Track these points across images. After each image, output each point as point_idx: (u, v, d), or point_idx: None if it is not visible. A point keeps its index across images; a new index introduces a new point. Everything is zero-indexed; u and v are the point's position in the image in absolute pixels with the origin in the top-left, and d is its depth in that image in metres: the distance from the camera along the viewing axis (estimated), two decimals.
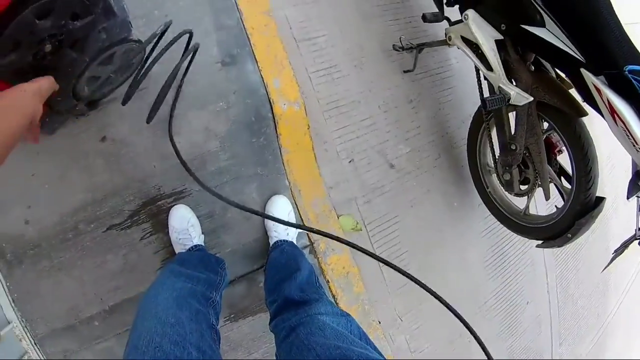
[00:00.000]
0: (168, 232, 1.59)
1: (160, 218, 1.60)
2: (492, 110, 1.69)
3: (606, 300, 3.61)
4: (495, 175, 1.93)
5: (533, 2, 1.37)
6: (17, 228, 1.45)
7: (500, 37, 1.56)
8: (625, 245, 1.74)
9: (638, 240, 1.69)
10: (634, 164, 1.50)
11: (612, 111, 1.29)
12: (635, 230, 1.68)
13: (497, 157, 1.86)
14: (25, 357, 1.48)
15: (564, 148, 1.64)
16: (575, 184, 1.59)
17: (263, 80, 1.72)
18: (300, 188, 1.81)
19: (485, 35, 1.57)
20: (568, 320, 3.15)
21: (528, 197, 1.84)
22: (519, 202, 1.97)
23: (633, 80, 1.21)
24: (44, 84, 0.88)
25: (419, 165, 2.06)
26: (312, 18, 1.89)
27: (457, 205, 2.20)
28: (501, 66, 1.59)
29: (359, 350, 0.85)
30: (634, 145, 1.28)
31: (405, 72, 2.03)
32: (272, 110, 1.74)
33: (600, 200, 1.60)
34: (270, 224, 1.70)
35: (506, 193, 1.95)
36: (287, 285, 1.27)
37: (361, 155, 1.93)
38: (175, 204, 1.61)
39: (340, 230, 1.88)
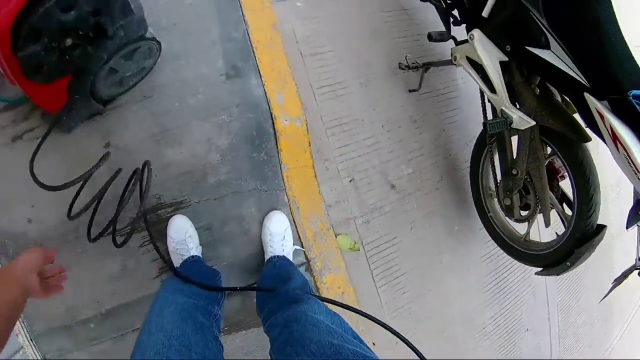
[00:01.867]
0: (166, 241, 1.58)
1: (159, 227, 1.59)
2: (493, 133, 1.67)
3: (607, 330, 3.54)
4: (497, 199, 1.89)
5: (539, 23, 1.34)
6: (19, 226, 1.46)
7: (505, 58, 1.54)
8: (624, 275, 1.70)
9: (638, 271, 1.65)
10: (636, 193, 1.46)
11: (614, 137, 1.25)
12: (636, 260, 1.65)
13: (498, 181, 1.83)
14: (20, 353, 1.49)
15: (566, 174, 1.60)
16: (576, 211, 1.55)
17: (266, 95, 1.71)
18: (299, 205, 1.78)
19: (490, 56, 1.55)
20: (568, 349, 3.08)
21: (529, 223, 1.80)
22: (521, 228, 1.93)
23: (637, 105, 1.17)
24: (32, 256, 0.89)
25: (420, 187, 2.03)
26: (320, 33, 1.89)
27: (458, 229, 2.16)
28: (504, 88, 1.56)
29: (353, 348, 0.84)
30: (636, 173, 1.25)
31: (410, 91, 2.02)
32: (273, 126, 1.72)
33: (601, 228, 1.56)
34: (267, 238, 1.67)
35: (507, 218, 1.92)
36: (279, 290, 1.25)
37: (362, 175, 1.91)
38: (175, 214, 1.59)
39: (338, 249, 1.85)
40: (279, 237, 1.66)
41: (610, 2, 1.18)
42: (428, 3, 1.90)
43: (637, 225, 1.53)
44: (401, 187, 1.97)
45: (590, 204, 1.51)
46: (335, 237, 1.85)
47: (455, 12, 1.78)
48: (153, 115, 1.55)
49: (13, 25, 0.91)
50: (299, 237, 1.78)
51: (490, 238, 2.05)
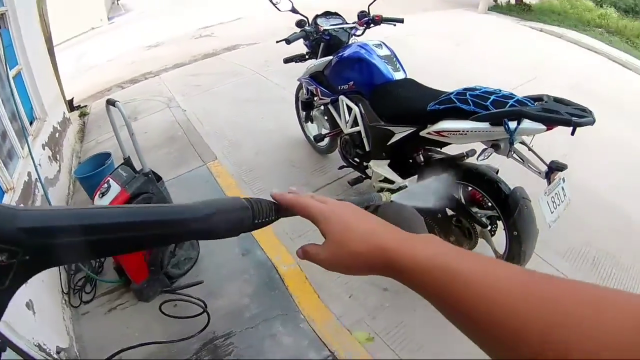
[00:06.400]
0: None
1: (217, 353, 2.13)
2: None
3: None
4: None
5: (384, 127, 2.34)
6: None
7: (388, 160, 2.47)
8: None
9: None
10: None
11: (440, 134, 1.93)
12: None
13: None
14: None
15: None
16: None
17: (268, 257, 2.56)
18: (315, 320, 2.27)
19: (383, 166, 2.50)
20: None
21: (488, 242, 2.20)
22: None
23: (432, 107, 1.93)
24: None
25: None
26: (299, 230, 2.86)
27: None
28: (396, 175, 2.43)
29: None
30: (464, 134, 1.83)
31: None
32: (278, 272, 2.48)
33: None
34: None
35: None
36: None
37: (358, 290, 2.43)
38: None
39: (357, 342, 2.17)
40: None
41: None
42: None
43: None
44: (393, 289, 2.41)
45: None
46: (351, 334, 2.21)
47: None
48: (203, 286, 2.36)
49: None
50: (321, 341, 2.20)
51: None
